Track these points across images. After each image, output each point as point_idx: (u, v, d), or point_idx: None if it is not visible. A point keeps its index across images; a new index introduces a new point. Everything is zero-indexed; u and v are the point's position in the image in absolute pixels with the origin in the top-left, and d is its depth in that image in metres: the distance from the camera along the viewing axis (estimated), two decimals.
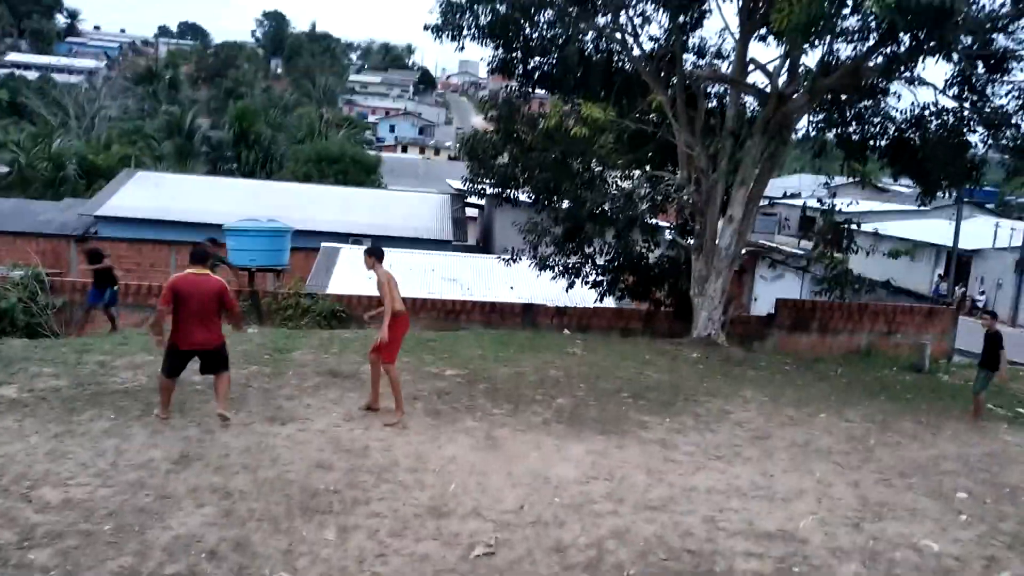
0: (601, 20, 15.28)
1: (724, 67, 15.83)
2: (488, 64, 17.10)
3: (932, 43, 11.04)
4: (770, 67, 14.26)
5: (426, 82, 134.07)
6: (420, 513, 6.29)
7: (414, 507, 6.39)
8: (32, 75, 79.24)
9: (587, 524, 6.31)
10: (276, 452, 7.30)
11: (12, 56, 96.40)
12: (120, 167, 38.62)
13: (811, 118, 15.62)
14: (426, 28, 15.12)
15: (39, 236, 25.94)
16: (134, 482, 6.46)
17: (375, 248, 8.54)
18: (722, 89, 16.01)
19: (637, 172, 17.03)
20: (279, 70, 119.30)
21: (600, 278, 17.12)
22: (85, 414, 7.98)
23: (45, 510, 5.89)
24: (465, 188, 18.52)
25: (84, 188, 40.08)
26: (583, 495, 6.89)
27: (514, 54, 16.21)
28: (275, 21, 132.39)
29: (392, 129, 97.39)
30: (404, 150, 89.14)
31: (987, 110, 13.68)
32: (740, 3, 14.05)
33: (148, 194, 29.70)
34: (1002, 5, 12.18)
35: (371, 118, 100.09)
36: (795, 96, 14.13)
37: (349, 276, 20.11)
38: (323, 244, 23.59)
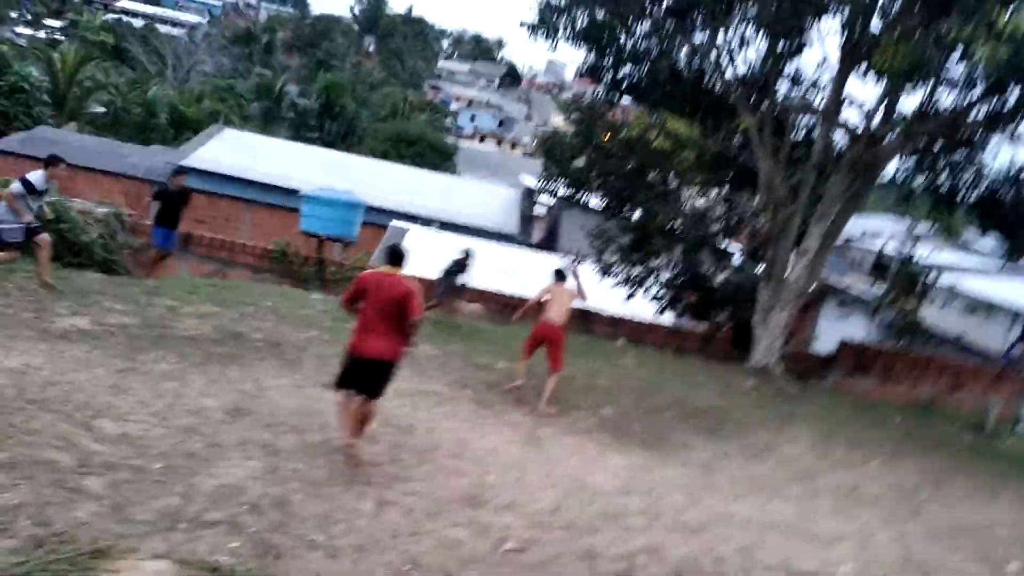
0: (698, 38, 15.10)
1: (818, 100, 15.50)
2: (578, 67, 17.09)
3: None
4: (865, 106, 13.91)
5: (512, 77, 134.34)
6: (456, 499, 6.36)
7: (451, 492, 6.46)
8: (138, 23, 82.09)
9: (620, 536, 6.29)
10: (325, 418, 7.45)
11: (123, 2, 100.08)
12: (209, 121, 39.83)
13: (901, 162, 15.19)
14: (522, 25, 15.18)
15: (125, 177, 26.90)
16: (187, 427, 6.67)
17: (558, 270, 9.93)
18: (813, 122, 15.68)
19: (714, 192, 16.83)
20: (371, 48, 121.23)
21: (662, 292, 16.97)
22: (149, 354, 8.27)
23: (103, 441, 6.11)
24: (538, 186, 18.57)
25: (172, 137, 41.44)
26: (619, 507, 6.87)
27: (605, 60, 16.15)
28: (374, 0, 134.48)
29: (473, 119, 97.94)
30: (482, 140, 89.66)
31: None
32: (843, 38, 13.73)
33: (232, 151, 30.53)
34: None
35: (454, 105, 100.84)
36: (887, 139, 13.76)
37: (413, 257, 20.33)
38: (392, 222, 23.91)
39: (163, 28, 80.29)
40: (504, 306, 16.53)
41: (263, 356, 8.94)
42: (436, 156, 44.51)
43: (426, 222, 26.28)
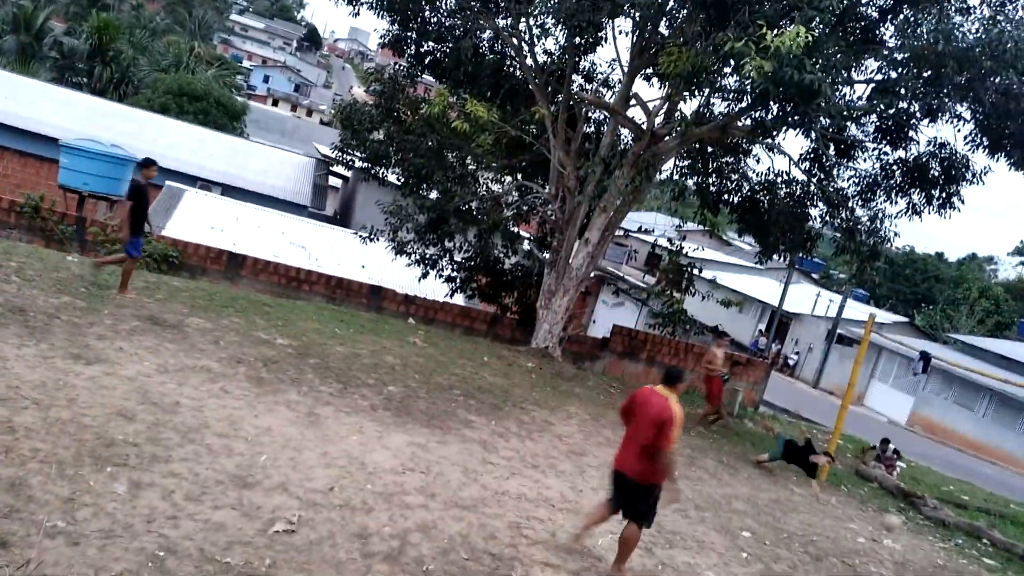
0: (501, 22, 15.34)
1: (608, 96, 16.31)
2: (381, 37, 16.73)
3: (796, 117, 11.89)
4: (650, 106, 14.83)
5: (312, 40, 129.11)
6: (223, 480, 5.99)
7: (217, 473, 6.07)
8: None
9: (395, 514, 6.25)
10: (75, 392, 6.73)
11: None
12: None
13: (678, 162, 16.39)
14: None
15: None
16: None
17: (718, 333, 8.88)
18: (602, 116, 16.48)
19: (509, 178, 17.22)
20: None
21: (455, 274, 17.15)
22: None
23: None
24: (333, 156, 18.01)
25: None
26: (396, 485, 6.83)
27: (409, 33, 15.97)
28: None
29: (267, 80, 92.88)
30: (275, 104, 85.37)
31: (830, 189, 14.90)
32: (633, 39, 14.54)
33: None
34: (859, 98, 13.32)
35: (246, 63, 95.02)
36: (667, 138, 14.77)
37: (190, 222, 18.96)
38: (167, 183, 22.13)
39: None
40: (291, 280, 15.90)
41: (3, 322, 7.89)
42: (223, 115, 41.51)
43: (207, 185, 24.65)
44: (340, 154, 17.38)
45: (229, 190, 25.58)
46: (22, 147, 24.19)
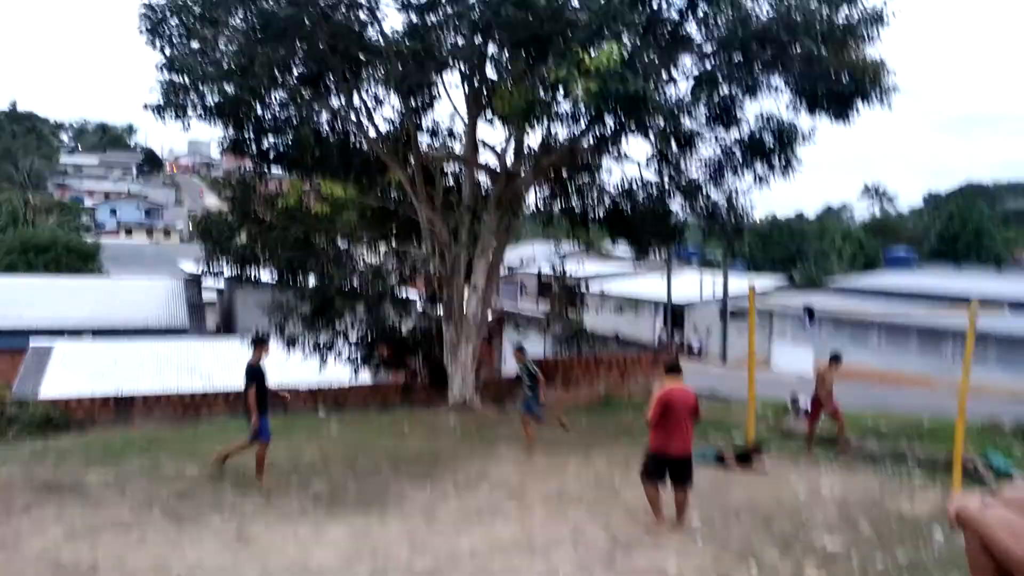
0: (335, 102, 15.49)
1: (457, 147, 16.70)
2: (219, 144, 16.56)
3: (632, 125, 12.54)
4: (498, 147, 15.30)
5: (152, 163, 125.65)
6: None
7: None
8: None
9: None
10: None
11: None
12: None
13: (538, 193, 16.91)
14: (146, 108, 14.32)
15: None
16: None
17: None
18: (457, 167, 16.84)
19: (383, 248, 17.27)
20: None
21: (354, 353, 16.94)
22: None
23: None
24: (200, 271, 17.55)
25: None
26: None
27: (246, 134, 15.87)
28: None
29: (114, 212, 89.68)
30: (129, 233, 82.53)
31: (683, 181, 15.70)
32: (466, 89, 14.99)
33: None
34: (685, 94, 14.17)
35: (88, 202, 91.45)
36: (522, 174, 15.24)
37: (66, 376, 17.96)
38: (32, 343, 20.91)
39: None
40: (187, 406, 15.29)
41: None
42: (76, 260, 39.73)
43: (75, 333, 23.45)
44: (206, 268, 16.97)
45: (101, 333, 24.39)
46: None
